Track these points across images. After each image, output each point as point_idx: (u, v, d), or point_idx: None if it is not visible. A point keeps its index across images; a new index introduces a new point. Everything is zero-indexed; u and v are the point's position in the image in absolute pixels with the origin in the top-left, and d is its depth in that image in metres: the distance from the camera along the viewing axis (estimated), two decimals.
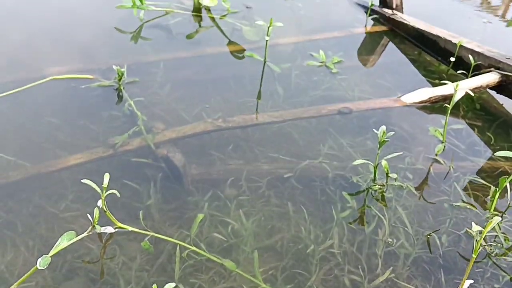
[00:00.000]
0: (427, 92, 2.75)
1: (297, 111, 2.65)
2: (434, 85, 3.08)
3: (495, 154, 2.05)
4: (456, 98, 2.37)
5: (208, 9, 3.60)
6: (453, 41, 3.12)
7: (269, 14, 3.72)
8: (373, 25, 3.74)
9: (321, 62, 3.12)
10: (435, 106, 2.80)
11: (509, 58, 2.84)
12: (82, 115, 2.55)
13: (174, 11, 3.49)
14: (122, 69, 2.63)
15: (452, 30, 3.52)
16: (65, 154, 2.30)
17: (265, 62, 3.02)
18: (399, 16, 3.62)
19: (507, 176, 2.02)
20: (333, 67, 3.09)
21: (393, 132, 2.16)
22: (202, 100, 2.77)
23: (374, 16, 3.75)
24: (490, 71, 2.88)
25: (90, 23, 3.36)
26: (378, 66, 3.30)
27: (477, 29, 3.91)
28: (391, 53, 3.50)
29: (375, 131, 2.16)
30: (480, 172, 2.44)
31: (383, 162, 2.14)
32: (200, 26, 3.51)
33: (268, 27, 2.86)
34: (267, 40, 2.92)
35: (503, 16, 4.52)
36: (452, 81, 2.99)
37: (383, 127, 2.12)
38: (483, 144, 2.65)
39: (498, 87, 2.87)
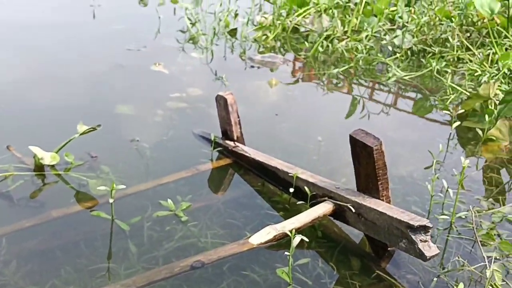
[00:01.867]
0: (272, 232, 2.92)
1: (150, 274, 2.66)
2: (280, 216, 3.30)
3: None
4: (294, 244, 2.56)
5: (51, 166, 3.56)
6: (289, 173, 3.37)
7: (116, 160, 3.79)
8: (219, 158, 3.94)
9: (171, 211, 3.20)
10: (282, 242, 2.98)
11: (338, 188, 3.13)
12: None
13: (14, 174, 3.40)
14: None
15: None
16: None
17: (113, 220, 3.02)
18: (240, 148, 3.86)
19: None
20: (183, 215, 3.18)
21: None
22: (52, 273, 2.69)
23: (219, 148, 3.95)
24: (325, 200, 3.15)
25: None
26: (226, 203, 3.45)
27: (313, 148, 4.28)
28: (237, 185, 3.70)
29: None
30: None
31: None
32: (44, 184, 3.45)
33: (111, 190, 2.90)
34: (111, 202, 2.94)
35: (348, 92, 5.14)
36: (295, 211, 3.23)
37: None
38: (328, 275, 2.86)
39: (334, 215, 3.14)
